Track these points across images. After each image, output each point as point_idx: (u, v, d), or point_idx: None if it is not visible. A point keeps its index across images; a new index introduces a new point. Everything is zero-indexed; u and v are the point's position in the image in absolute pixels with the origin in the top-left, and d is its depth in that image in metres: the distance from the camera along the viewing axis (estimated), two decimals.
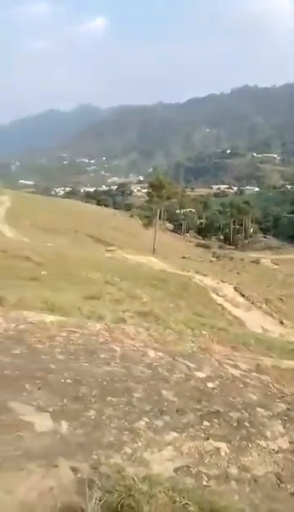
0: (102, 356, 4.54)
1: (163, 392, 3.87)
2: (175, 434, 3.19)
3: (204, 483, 2.72)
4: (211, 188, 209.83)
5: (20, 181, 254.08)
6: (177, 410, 3.58)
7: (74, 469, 2.57)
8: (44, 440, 2.80)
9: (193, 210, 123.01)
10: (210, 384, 4.27)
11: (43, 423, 2.98)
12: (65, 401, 3.36)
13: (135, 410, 3.45)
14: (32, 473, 2.44)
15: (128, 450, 2.88)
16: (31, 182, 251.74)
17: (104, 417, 3.26)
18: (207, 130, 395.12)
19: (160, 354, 4.90)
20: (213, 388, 4.20)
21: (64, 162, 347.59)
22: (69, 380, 3.75)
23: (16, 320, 5.04)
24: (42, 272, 16.83)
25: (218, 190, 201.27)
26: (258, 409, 3.94)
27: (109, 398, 3.57)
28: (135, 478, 2.40)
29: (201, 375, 4.49)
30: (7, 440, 2.66)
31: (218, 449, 3.12)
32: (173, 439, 3.13)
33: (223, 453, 3.10)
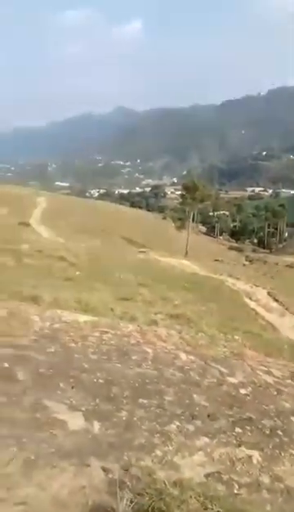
0: (134, 357, 4.55)
1: (195, 396, 3.84)
2: (206, 440, 3.16)
3: (235, 491, 2.67)
4: (246, 191, 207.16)
5: (56, 182, 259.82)
6: (209, 416, 3.54)
7: (105, 470, 2.59)
8: (76, 439, 2.84)
9: (227, 213, 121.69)
10: (242, 391, 4.20)
11: (76, 422, 3.03)
12: (97, 401, 3.40)
13: (166, 414, 3.45)
14: (64, 471, 2.48)
15: (159, 453, 2.88)
16: (67, 184, 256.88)
17: (135, 419, 3.27)
18: (243, 132, 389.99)
19: (192, 358, 4.87)
20: (246, 395, 4.13)
21: (99, 164, 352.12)
22: (101, 380, 3.79)
23: (51, 319, 5.14)
24: (76, 273, 17.11)
25: (253, 193, 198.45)
26: (292, 418, 3.84)
27: (140, 400, 3.58)
28: (166, 482, 2.39)
29: (233, 380, 4.42)
30: (41, 437, 2.71)
31: (250, 457, 3.06)
32: (204, 444, 3.09)
33: (255, 461, 3.04)
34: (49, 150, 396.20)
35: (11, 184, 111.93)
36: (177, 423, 3.30)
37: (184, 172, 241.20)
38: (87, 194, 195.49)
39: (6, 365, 3.58)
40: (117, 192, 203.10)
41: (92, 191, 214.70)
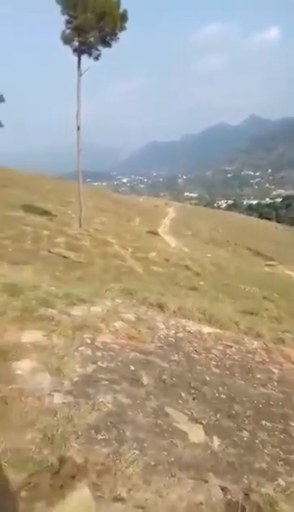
0: (258, 376, 4.35)
1: None
2: None
3: None
4: None
5: (185, 193, 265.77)
6: None
7: (224, 489, 2.51)
8: (196, 452, 2.81)
9: None
10: None
11: (196, 434, 3.00)
12: (218, 416, 3.32)
13: (291, 441, 3.21)
14: (182, 482, 2.47)
15: (282, 482, 2.68)
16: (195, 195, 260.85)
17: (257, 441, 3.11)
18: None
19: None
20: None
21: (229, 175, 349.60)
22: (223, 396, 3.70)
23: (176, 327, 5.22)
24: (200, 283, 17.16)
25: None
26: None
27: (263, 422, 3.40)
28: None
29: None
30: (162, 445, 2.74)
31: None
32: None
33: None
34: (181, 162, 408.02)
35: (144, 195, 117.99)
36: None
37: None
38: (215, 204, 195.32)
39: (133, 368, 3.73)
40: (245, 203, 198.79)
41: (220, 202, 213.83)
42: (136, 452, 2.56)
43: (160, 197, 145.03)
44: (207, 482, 2.53)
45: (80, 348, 3.83)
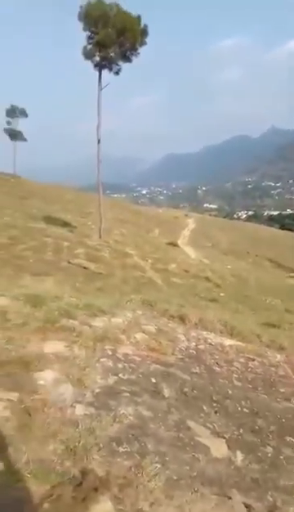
0: (282, 390, 4.26)
1: None
2: None
3: None
4: None
5: (205, 204, 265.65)
6: None
7: (248, 506, 2.45)
8: (218, 467, 2.76)
9: None
10: None
11: (219, 449, 2.95)
12: (241, 430, 3.26)
13: None
14: (205, 498, 2.42)
15: None
16: (214, 206, 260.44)
17: (281, 457, 3.04)
18: None
19: None
20: None
21: (249, 186, 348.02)
22: (245, 410, 3.64)
23: (197, 339, 5.17)
24: (221, 294, 17.02)
25: None
26: None
27: (288, 438, 3.31)
28: None
29: None
30: (184, 459, 2.71)
31: None
32: None
33: None
34: (201, 173, 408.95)
35: (163, 206, 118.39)
36: None
37: None
38: (235, 216, 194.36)
39: (154, 380, 3.71)
40: (266, 214, 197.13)
41: (240, 213, 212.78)
42: (158, 466, 2.53)
43: (179, 208, 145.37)
44: (230, 498, 2.48)
45: (101, 360, 3.83)
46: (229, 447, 3.00)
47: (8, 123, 60.75)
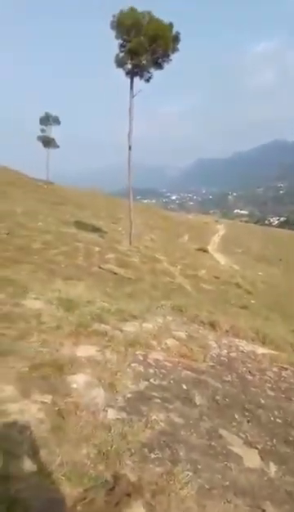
0: None
1: None
2: None
3: None
4: None
5: (235, 210, 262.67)
6: None
7: None
8: (251, 477, 2.71)
9: None
10: None
11: (251, 459, 2.90)
12: (275, 441, 3.19)
13: None
14: (238, 509, 2.38)
15: None
16: (245, 212, 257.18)
17: None
18: None
19: None
20: None
21: (281, 191, 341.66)
22: (278, 420, 3.56)
23: (228, 347, 5.11)
24: (252, 301, 16.76)
25: None
26: None
27: None
28: None
29: None
30: (216, 468, 2.67)
31: None
32: None
33: None
34: (231, 179, 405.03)
35: (193, 212, 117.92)
36: None
37: None
38: (267, 222, 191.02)
39: (185, 387, 3.69)
40: None
41: (272, 219, 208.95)
42: (190, 474, 2.51)
43: (210, 214, 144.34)
44: (264, 511, 2.43)
45: (132, 365, 3.85)
46: (261, 458, 2.94)
47: (42, 130, 62.10)
